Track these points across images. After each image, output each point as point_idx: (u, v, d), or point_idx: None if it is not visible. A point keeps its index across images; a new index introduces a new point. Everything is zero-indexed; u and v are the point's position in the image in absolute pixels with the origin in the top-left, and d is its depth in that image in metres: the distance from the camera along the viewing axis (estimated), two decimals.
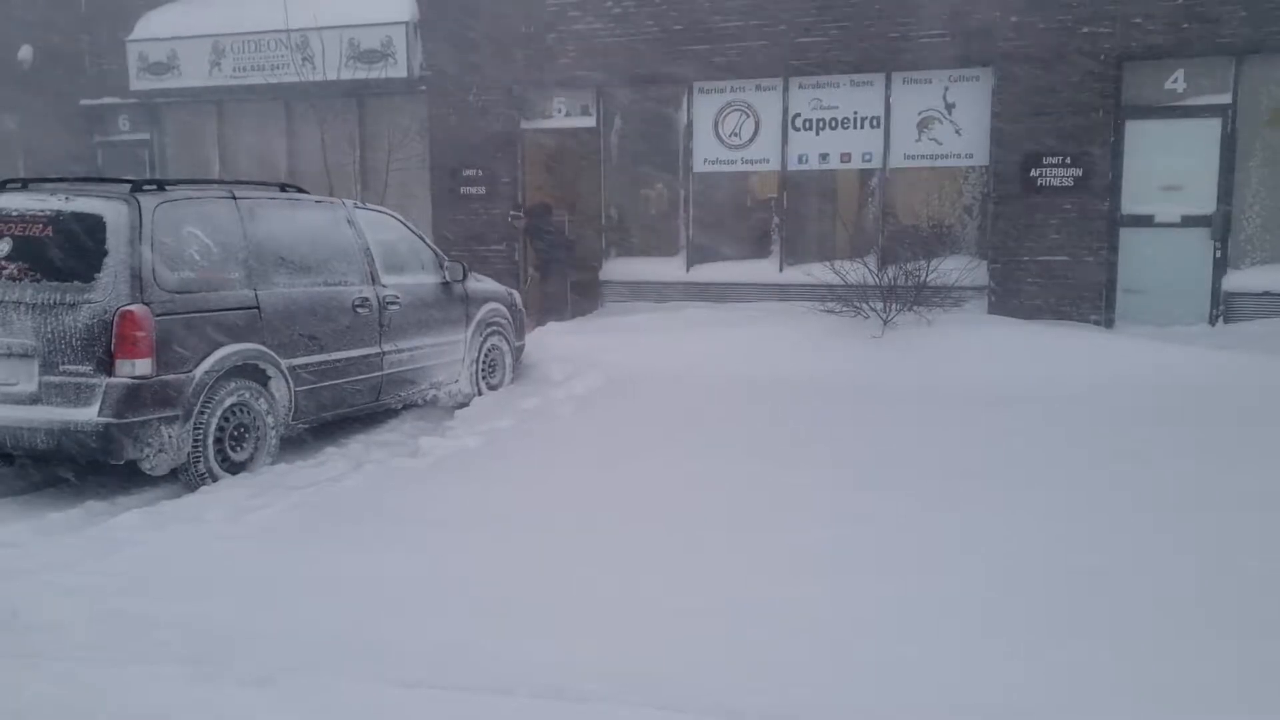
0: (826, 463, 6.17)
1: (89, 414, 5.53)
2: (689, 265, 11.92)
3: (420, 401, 8.00)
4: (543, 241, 12.26)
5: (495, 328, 8.75)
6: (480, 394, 8.46)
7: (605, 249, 12.35)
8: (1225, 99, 9.96)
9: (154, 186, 6.04)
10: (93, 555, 4.71)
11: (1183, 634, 3.72)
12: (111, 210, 5.71)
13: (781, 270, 11.51)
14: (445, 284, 8.16)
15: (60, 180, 6.40)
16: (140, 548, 4.83)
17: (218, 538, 4.98)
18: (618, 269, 12.25)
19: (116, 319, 5.53)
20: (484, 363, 8.66)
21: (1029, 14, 10.22)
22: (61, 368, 5.59)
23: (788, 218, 11.58)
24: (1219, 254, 10.10)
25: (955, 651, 3.60)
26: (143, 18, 13.35)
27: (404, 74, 12.26)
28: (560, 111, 12.31)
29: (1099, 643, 3.66)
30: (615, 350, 9.31)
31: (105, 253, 5.63)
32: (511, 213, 12.07)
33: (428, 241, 8.35)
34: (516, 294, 9.43)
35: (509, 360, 9.03)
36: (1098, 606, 3.99)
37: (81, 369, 5.57)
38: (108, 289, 5.58)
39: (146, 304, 5.61)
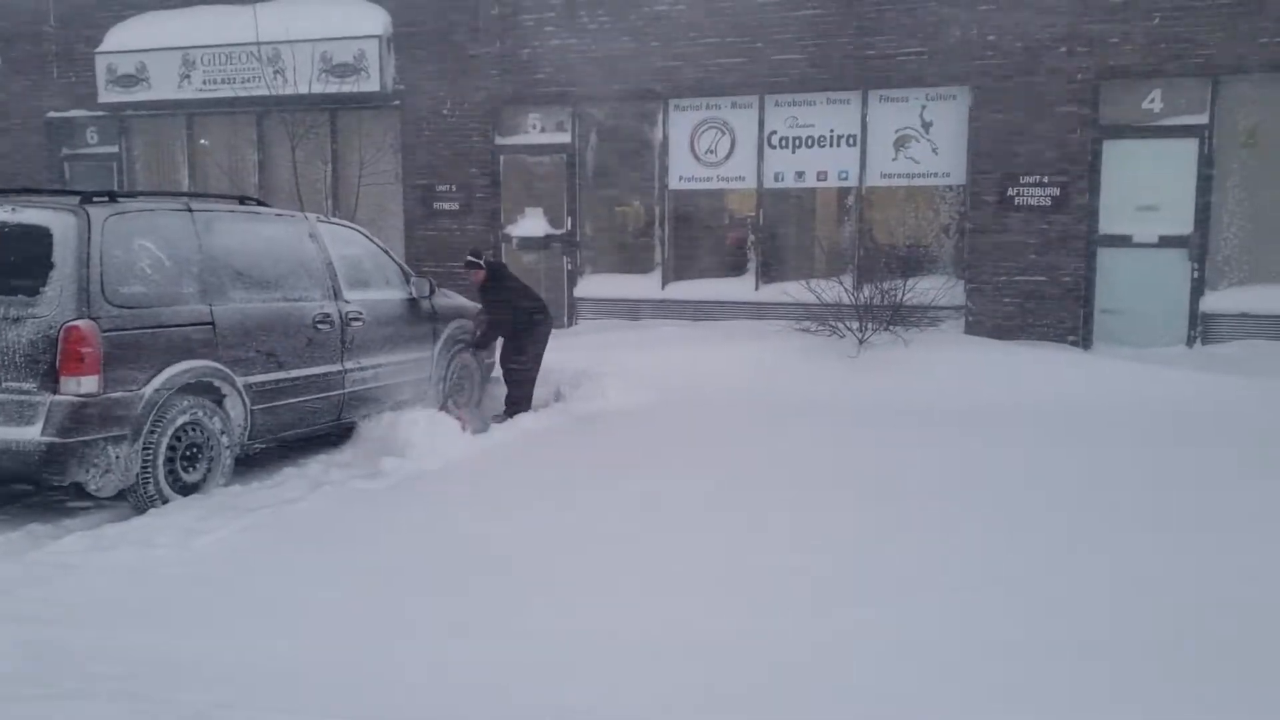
0: (804, 490, 5.99)
1: (32, 433, 5.31)
2: (664, 283, 11.79)
3: None
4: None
5: (464, 345, 8.56)
6: (447, 412, 8.24)
7: (580, 266, 12.20)
8: (1202, 119, 9.91)
9: (105, 198, 5.84)
10: (30, 581, 4.49)
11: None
12: (59, 222, 5.52)
13: (757, 289, 11.39)
14: (412, 300, 7.98)
15: (10, 191, 6.20)
16: (81, 574, 4.62)
17: (163, 563, 4.77)
18: (592, 286, 12.10)
19: (62, 334, 5.32)
20: (452, 381, 8.48)
21: (1006, 33, 10.17)
22: (4, 384, 5.37)
23: (764, 236, 11.47)
24: (1196, 275, 10.04)
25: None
26: (112, 29, 13.15)
27: (377, 88, 12.12)
28: (536, 127, 12.19)
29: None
30: (589, 370, 9.13)
31: (52, 265, 5.42)
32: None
33: (394, 257, 8.18)
34: None
35: (478, 378, 8.85)
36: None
37: (25, 386, 5.36)
38: (53, 303, 5.37)
39: (94, 319, 5.41)
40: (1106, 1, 9.85)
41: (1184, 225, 10.04)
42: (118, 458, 5.53)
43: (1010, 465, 6.41)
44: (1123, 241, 10.25)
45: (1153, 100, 10.06)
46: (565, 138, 12.03)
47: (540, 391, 8.67)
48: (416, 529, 5.30)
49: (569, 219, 12.13)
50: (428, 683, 3.48)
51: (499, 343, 8.59)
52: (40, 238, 5.48)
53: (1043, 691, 3.41)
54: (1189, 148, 9.98)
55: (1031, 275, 10.34)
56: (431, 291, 8.19)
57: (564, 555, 4.81)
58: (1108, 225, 10.26)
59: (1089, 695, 3.38)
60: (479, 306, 8.99)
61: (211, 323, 6.11)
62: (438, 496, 5.95)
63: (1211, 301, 10.03)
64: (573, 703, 3.33)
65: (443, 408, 7.77)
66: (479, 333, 8.44)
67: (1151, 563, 4.61)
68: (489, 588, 4.39)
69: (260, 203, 7.37)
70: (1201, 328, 10.04)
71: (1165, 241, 10.12)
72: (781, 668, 3.58)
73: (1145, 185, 10.14)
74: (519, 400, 8.26)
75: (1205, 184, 9.96)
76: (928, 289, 9.72)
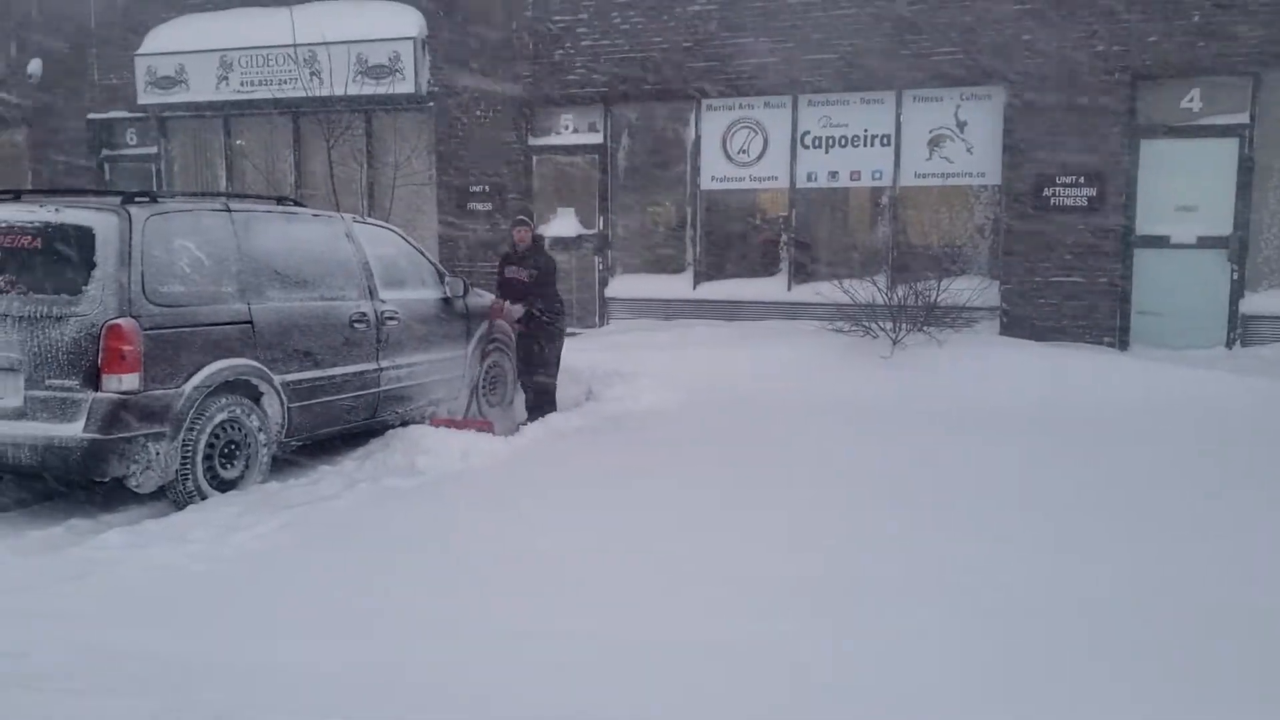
0: (844, 501, 5.96)
1: (74, 429, 5.41)
2: (696, 283, 11.79)
3: (419, 419, 7.83)
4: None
5: (497, 344, 8.61)
6: (481, 412, 8.31)
7: (612, 266, 12.23)
8: (1243, 118, 9.78)
9: (146, 198, 5.92)
10: (68, 577, 4.56)
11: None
12: (101, 222, 5.61)
13: (790, 289, 11.36)
14: (446, 300, 8.04)
15: (54, 192, 6.31)
16: (119, 569, 4.68)
17: (199, 559, 4.83)
18: (624, 286, 12.12)
19: (104, 333, 5.41)
20: (485, 380, 8.52)
21: (1041, 32, 10.08)
22: (47, 382, 5.47)
23: (796, 236, 11.44)
24: (1236, 276, 9.90)
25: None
26: (151, 32, 13.33)
27: (411, 89, 12.20)
28: (568, 128, 12.22)
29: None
30: (620, 370, 9.14)
31: (94, 265, 5.52)
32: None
33: (428, 257, 8.24)
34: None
35: (511, 378, 8.89)
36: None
37: (68, 383, 5.45)
38: (96, 302, 5.46)
39: (135, 317, 5.49)
40: None
41: (1223, 226, 9.91)
42: (158, 454, 5.61)
43: (1035, 468, 6.36)
44: (1161, 242, 10.13)
45: (1191, 99, 9.93)
46: (597, 138, 12.06)
47: (572, 391, 8.69)
48: (446, 529, 5.34)
49: (601, 219, 12.16)
50: (436, 683, 3.49)
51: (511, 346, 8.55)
52: (83, 238, 5.57)
53: (1043, 691, 3.40)
54: (1229, 147, 9.84)
55: (1068, 276, 10.24)
56: (465, 291, 8.24)
57: (587, 556, 4.82)
58: (1145, 226, 10.15)
59: (1089, 695, 3.37)
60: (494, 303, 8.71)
61: (250, 322, 6.18)
62: (468, 497, 5.99)
63: (1252, 303, 9.89)
64: (577, 703, 3.34)
65: (466, 413, 7.79)
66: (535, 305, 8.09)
67: (1163, 566, 4.57)
68: (510, 589, 4.41)
69: (297, 203, 7.45)
70: (1241, 329, 9.91)
71: (1204, 242, 9.99)
72: (782, 669, 3.58)
73: (1184, 185, 10.01)
74: (544, 403, 8.27)
75: (1245, 184, 9.82)
76: (962, 289, 9.65)
